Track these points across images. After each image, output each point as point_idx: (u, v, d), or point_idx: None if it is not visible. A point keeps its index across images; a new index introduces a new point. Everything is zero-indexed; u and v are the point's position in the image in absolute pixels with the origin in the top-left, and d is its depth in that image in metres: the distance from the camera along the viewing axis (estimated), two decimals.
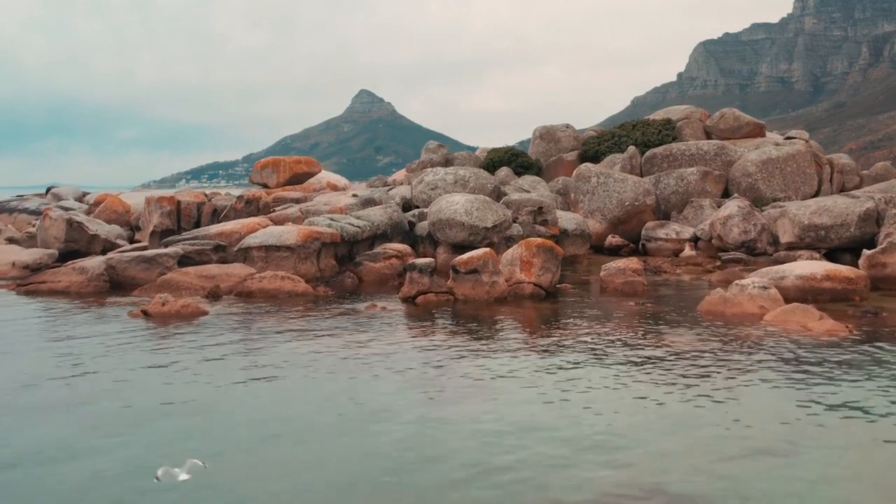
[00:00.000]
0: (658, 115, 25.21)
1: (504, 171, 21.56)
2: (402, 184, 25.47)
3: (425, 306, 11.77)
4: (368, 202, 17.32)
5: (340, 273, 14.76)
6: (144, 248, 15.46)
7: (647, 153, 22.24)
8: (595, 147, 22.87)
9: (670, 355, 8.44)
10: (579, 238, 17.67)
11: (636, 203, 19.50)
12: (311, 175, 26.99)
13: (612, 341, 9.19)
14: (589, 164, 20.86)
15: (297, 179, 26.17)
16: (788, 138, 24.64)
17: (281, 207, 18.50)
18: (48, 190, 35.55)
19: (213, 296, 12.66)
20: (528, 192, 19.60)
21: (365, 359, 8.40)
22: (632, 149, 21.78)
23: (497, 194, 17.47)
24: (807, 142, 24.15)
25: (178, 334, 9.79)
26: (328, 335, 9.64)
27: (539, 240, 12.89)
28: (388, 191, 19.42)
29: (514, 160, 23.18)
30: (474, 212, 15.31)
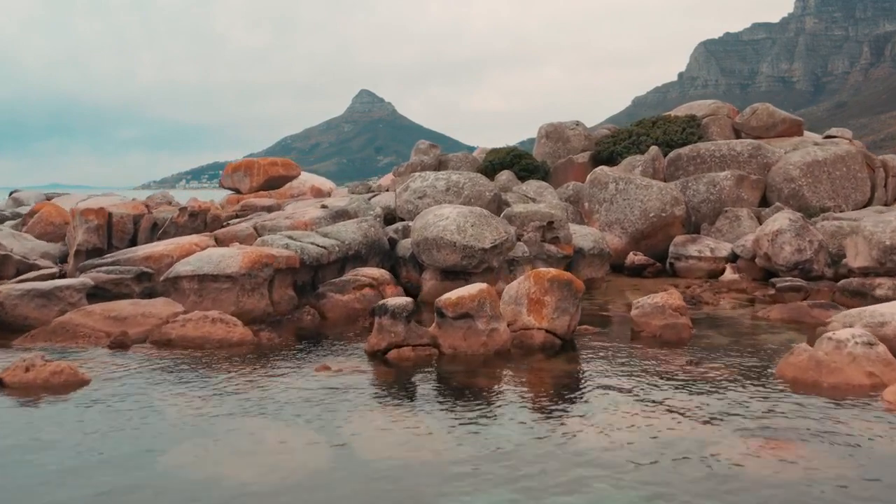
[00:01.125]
0: (680, 110, 20.57)
1: (506, 176, 18.33)
2: (387, 190, 22.23)
3: (399, 366, 8.58)
4: (340, 215, 14.09)
5: (299, 307, 11.59)
6: (53, 276, 12.26)
7: (671, 154, 19.04)
8: (610, 147, 19.35)
9: (779, 482, 5.23)
10: (597, 258, 14.42)
11: (663, 214, 16.30)
12: (290, 178, 24.59)
13: (675, 448, 5.96)
14: (605, 168, 17.61)
15: (274, 184, 24.12)
16: (828, 137, 21.49)
17: (236, 221, 15.26)
18: (11, 194, 33.12)
19: (119, 346, 9.46)
20: (534, 200, 16.34)
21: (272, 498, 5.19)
22: (654, 149, 18.56)
23: (497, 204, 14.22)
24: (851, 141, 20.99)
25: (24, 424, 6.61)
26: (238, 434, 6.41)
27: (552, 271, 9.64)
28: (370, 199, 16.21)
29: (517, 162, 19.87)
30: (468, 228, 12.11)
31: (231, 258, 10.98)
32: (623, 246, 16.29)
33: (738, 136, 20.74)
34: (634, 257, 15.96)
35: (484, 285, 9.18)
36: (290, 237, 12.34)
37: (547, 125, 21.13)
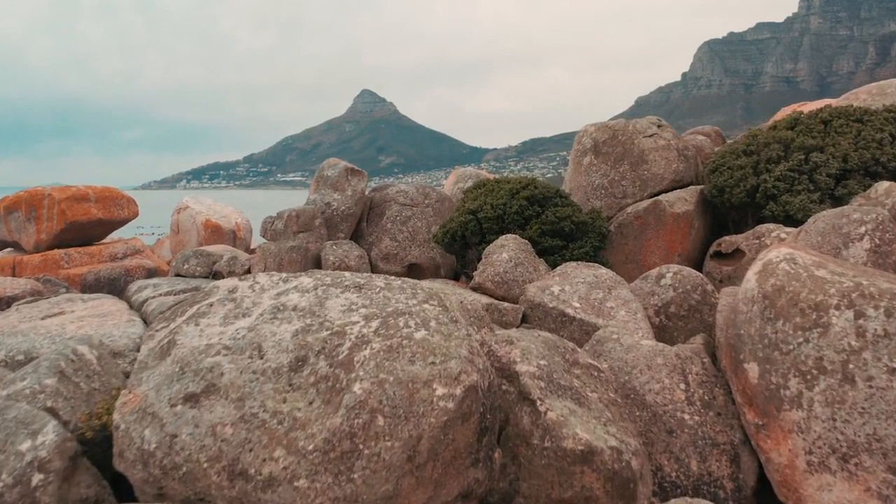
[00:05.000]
0: (860, 95, 10.41)
1: (508, 254, 11.68)
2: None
3: None
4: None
5: None
6: None
7: None
8: (746, 178, 8.14)
9: None
10: None
11: None
12: (116, 223, 13.00)
13: None
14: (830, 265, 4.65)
15: (84, 232, 12.52)
16: None
17: None
18: None
19: None
20: None
21: None
22: None
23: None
24: None
25: None
26: None
27: None
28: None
29: (539, 212, 8.16)
30: None
31: None
32: None
33: None
34: None
35: None
36: None
37: (597, 128, 9.97)
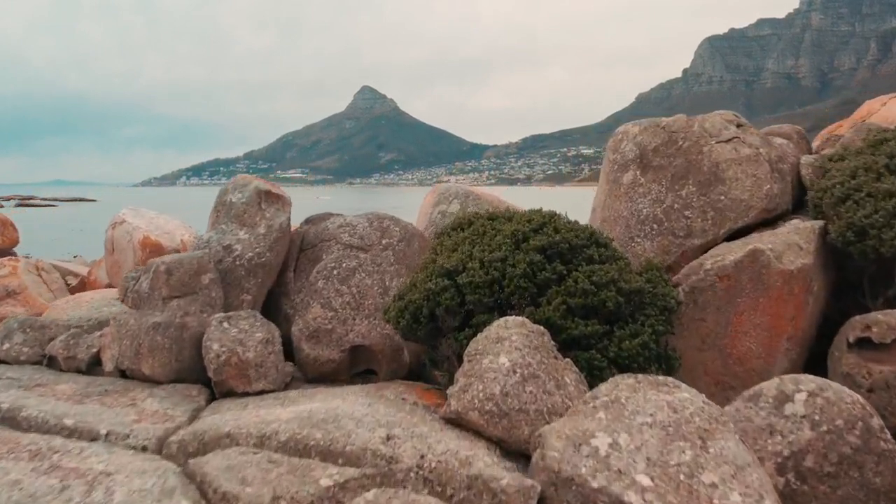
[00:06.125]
0: None
1: None
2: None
3: None
4: None
5: None
6: None
7: None
8: None
9: None
10: None
11: None
12: None
13: None
14: None
15: None
16: None
17: None
18: None
19: None
20: None
21: None
22: None
23: None
24: None
25: None
26: None
27: None
28: None
29: (563, 274, 4.47)
30: None
31: None
32: None
33: None
34: None
35: None
36: None
37: (644, 128, 6.39)
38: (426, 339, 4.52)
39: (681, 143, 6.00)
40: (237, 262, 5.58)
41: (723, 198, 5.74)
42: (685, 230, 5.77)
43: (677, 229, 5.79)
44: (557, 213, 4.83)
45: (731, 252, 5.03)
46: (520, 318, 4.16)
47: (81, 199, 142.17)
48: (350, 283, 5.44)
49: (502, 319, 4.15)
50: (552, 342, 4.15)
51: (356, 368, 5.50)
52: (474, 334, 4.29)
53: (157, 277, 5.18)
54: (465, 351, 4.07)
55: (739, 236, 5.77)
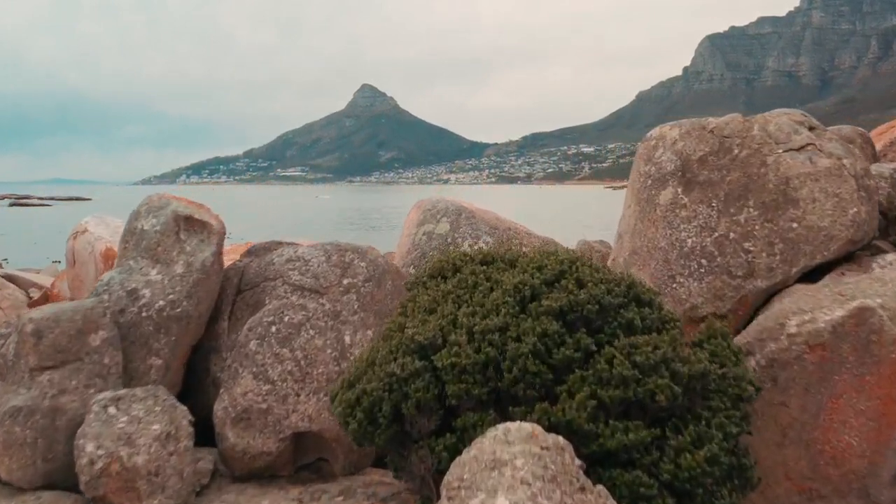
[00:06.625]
0: None
1: None
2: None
3: None
4: None
5: None
6: None
7: None
8: None
9: None
10: None
11: None
12: None
13: None
14: None
15: None
16: None
17: None
18: None
19: None
20: None
21: None
22: None
23: None
24: None
25: None
26: None
27: None
28: None
29: (591, 351, 2.92)
30: None
31: None
32: None
33: None
34: None
35: None
36: None
37: (686, 131, 4.74)
38: (388, 446, 3.08)
39: (736, 151, 4.55)
40: (144, 314, 4.14)
41: (795, 225, 4.30)
42: (745, 268, 4.32)
43: (734, 266, 4.34)
44: (580, 256, 3.37)
45: (824, 308, 3.58)
46: (527, 427, 2.72)
47: (77, 199, 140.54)
48: (293, 343, 3.99)
49: (501, 428, 2.71)
50: (576, 462, 2.72)
51: (303, 459, 4.06)
52: (459, 443, 2.86)
53: (24, 341, 3.74)
54: (445, 480, 2.64)
55: (816, 276, 4.34)
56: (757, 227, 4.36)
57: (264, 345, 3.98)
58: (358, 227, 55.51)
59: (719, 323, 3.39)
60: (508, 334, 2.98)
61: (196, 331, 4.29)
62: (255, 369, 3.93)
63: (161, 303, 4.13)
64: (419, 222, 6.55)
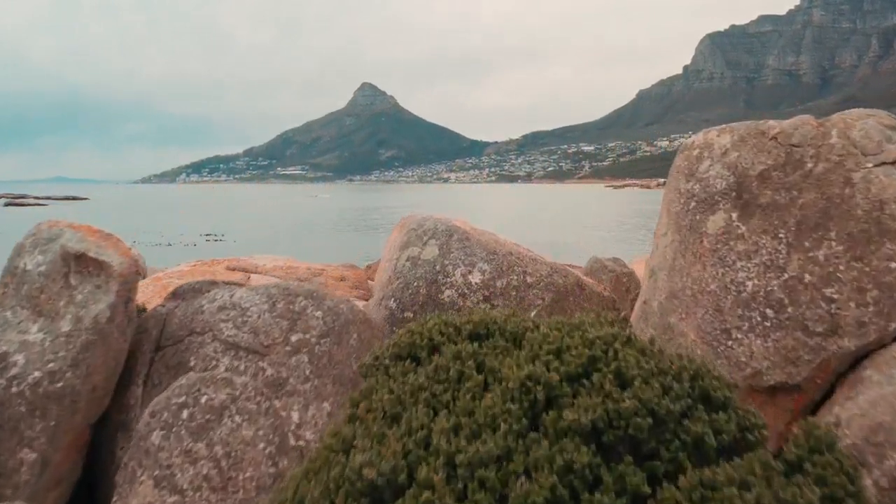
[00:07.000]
0: None
1: None
2: None
3: None
4: None
5: None
6: None
7: None
8: None
9: None
10: None
11: None
12: None
13: None
14: None
15: None
16: None
17: None
18: None
19: None
20: None
21: None
22: None
23: None
24: None
25: None
26: None
27: None
28: None
29: None
30: None
31: None
32: None
33: None
34: None
35: None
36: None
37: (740, 137, 3.69)
38: None
39: (810, 164, 3.45)
40: (14, 389, 3.04)
41: (894, 265, 3.21)
42: (826, 321, 3.23)
43: (811, 320, 3.25)
44: (618, 332, 2.25)
45: None
46: None
47: (74, 198, 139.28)
48: (212, 435, 2.89)
49: None
50: None
51: None
52: None
53: None
54: None
55: None
56: (842, 268, 3.26)
57: (171, 438, 2.87)
58: (358, 227, 54.24)
59: (823, 427, 2.30)
60: (511, 468, 1.88)
61: (88, 410, 3.19)
62: (157, 472, 2.83)
63: (37, 374, 3.03)
64: (402, 245, 5.44)
